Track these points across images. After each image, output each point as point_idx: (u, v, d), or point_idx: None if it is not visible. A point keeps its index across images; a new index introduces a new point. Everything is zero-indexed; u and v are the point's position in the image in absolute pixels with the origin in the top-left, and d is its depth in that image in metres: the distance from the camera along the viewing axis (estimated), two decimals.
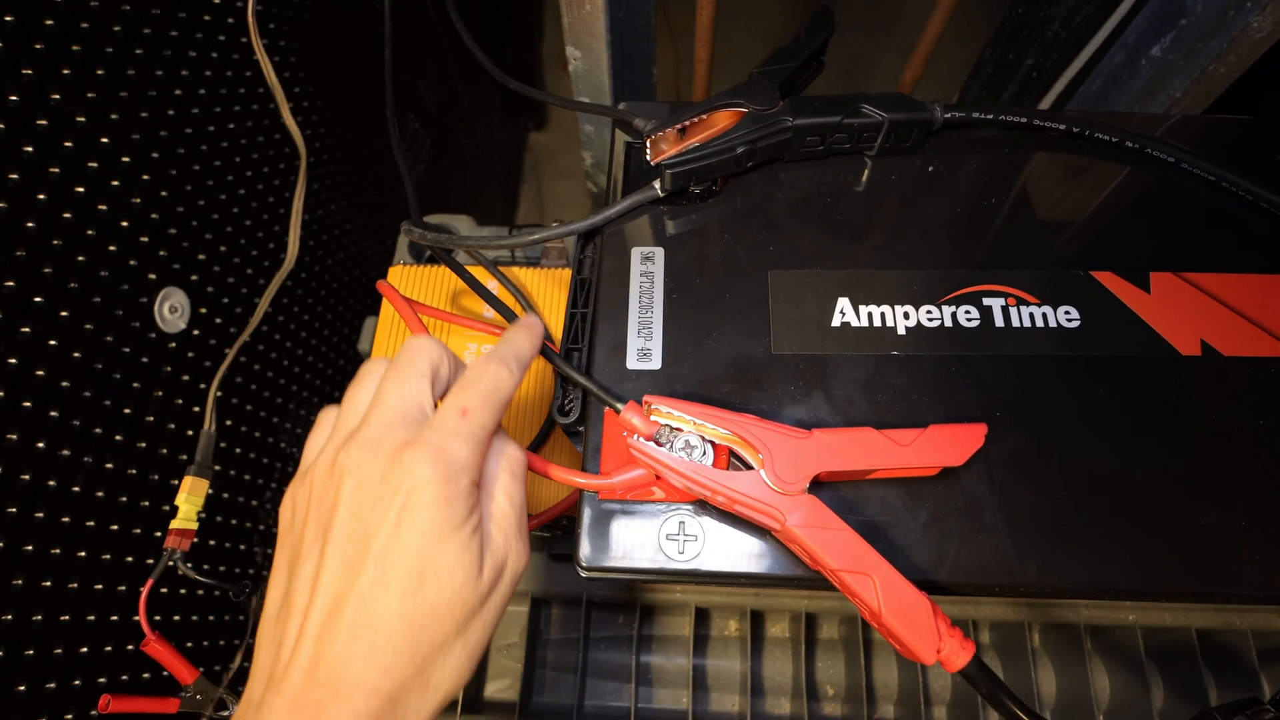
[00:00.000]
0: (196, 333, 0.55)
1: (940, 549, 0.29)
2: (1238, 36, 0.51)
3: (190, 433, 0.54)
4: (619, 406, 0.30)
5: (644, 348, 0.33)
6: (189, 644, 0.55)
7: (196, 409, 0.55)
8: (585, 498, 0.31)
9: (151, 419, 0.51)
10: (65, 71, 0.44)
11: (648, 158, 0.36)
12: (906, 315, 0.34)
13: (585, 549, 0.30)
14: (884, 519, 0.30)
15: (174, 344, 0.53)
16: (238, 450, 0.61)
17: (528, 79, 0.40)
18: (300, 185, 0.51)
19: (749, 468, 0.29)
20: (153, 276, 0.52)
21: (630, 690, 0.50)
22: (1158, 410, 0.31)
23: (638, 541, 0.30)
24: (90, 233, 0.46)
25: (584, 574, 0.31)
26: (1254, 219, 0.36)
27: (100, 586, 0.47)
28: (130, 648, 0.49)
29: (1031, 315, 0.33)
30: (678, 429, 0.29)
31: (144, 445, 0.50)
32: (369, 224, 0.82)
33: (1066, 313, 0.33)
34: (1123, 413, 0.31)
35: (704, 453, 0.29)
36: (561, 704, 0.51)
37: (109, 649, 0.48)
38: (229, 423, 0.60)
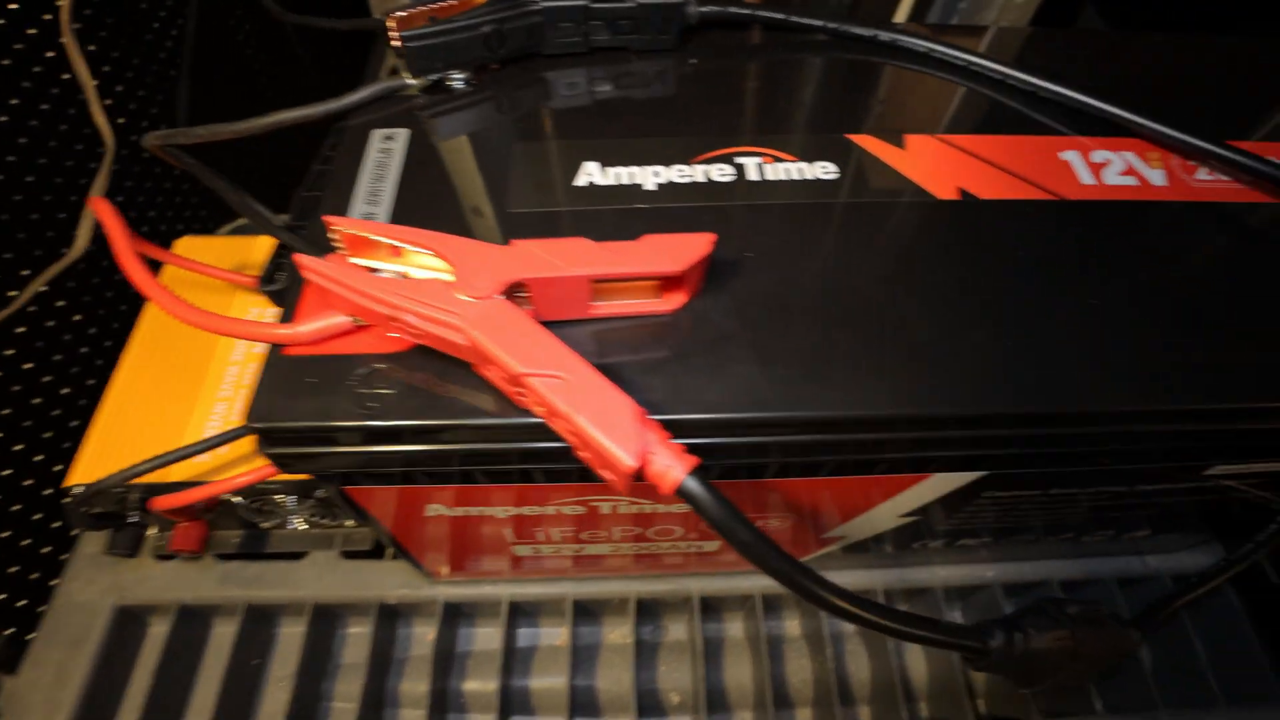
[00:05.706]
0: None
1: (679, 384, 0.25)
2: None
3: None
4: (303, 248, 0.26)
5: (369, 212, 0.30)
6: None
7: None
8: (269, 354, 0.26)
9: None
10: None
11: (393, 41, 0.34)
12: (656, 174, 0.31)
13: (260, 404, 0.25)
14: (618, 360, 0.26)
15: None
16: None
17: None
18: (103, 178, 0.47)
19: None
20: None
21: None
22: (916, 247, 0.29)
23: (324, 395, 0.25)
24: None
25: (262, 450, 0.25)
26: (1004, 95, 0.36)
27: None
28: None
29: (788, 170, 0.32)
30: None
31: None
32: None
33: (824, 167, 0.32)
34: (882, 251, 0.29)
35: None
36: None
37: None
38: None
